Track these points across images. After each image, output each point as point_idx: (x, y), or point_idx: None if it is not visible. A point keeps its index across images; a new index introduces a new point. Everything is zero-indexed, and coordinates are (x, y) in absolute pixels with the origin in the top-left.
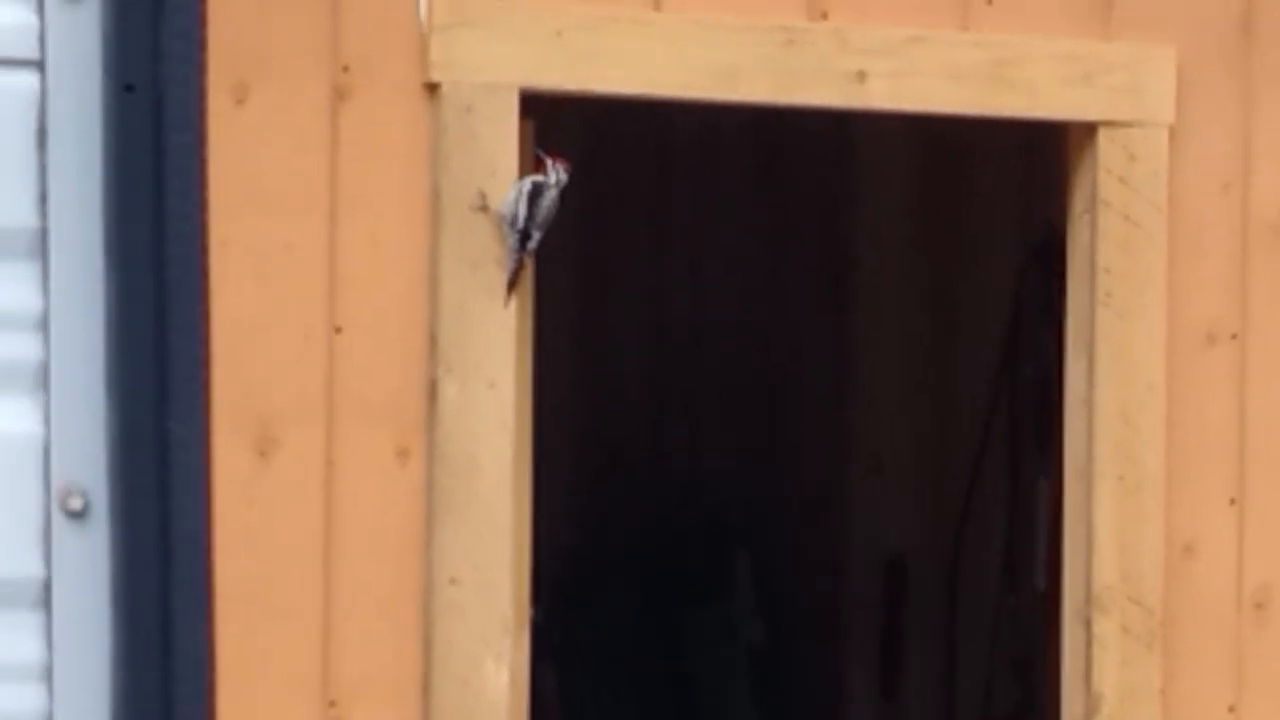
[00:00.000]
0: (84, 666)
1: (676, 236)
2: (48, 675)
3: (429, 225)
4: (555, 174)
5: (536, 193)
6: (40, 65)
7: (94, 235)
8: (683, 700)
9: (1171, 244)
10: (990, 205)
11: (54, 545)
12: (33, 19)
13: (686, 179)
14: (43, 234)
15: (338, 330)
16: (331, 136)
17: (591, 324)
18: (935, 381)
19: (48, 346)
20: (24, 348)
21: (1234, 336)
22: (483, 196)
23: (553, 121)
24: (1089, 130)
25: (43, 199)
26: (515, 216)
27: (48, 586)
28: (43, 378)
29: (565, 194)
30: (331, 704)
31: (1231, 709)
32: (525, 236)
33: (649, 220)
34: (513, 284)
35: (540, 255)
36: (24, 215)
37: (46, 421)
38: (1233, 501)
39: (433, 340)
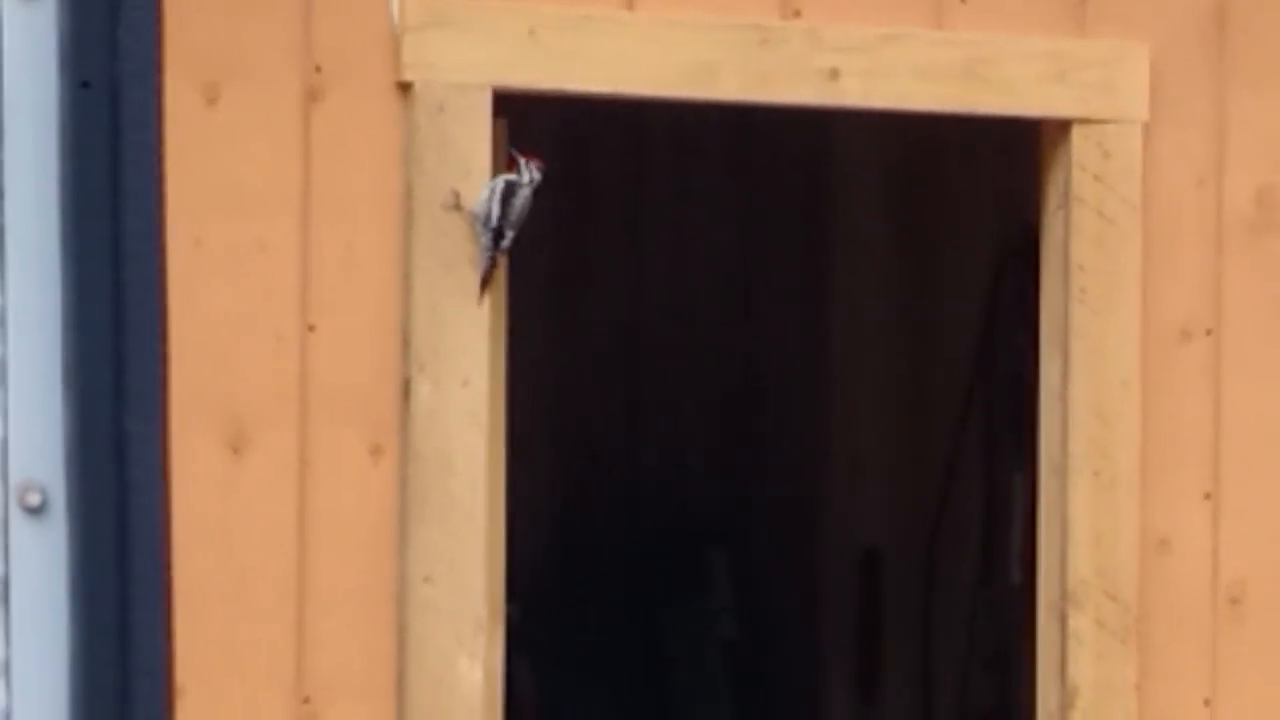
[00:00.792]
0: (42, 663)
1: (652, 235)
2: (5, 671)
3: (402, 224)
4: (528, 173)
5: (510, 192)
6: None
7: (51, 232)
8: (659, 697)
9: (1146, 240)
10: (966, 203)
11: (12, 542)
12: None
13: (661, 178)
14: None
15: (311, 329)
16: (304, 136)
17: (567, 322)
18: (911, 378)
19: (5, 343)
20: None
21: (1209, 332)
22: (456, 196)
23: (526, 121)
24: (1063, 127)
25: None
26: (488, 216)
27: (5, 583)
28: (0, 374)
29: (540, 193)
30: (305, 701)
31: (1207, 703)
32: (498, 236)
33: (624, 219)
34: (486, 283)
35: (516, 253)
36: None
37: (4, 418)
38: (1208, 496)
39: (406, 339)
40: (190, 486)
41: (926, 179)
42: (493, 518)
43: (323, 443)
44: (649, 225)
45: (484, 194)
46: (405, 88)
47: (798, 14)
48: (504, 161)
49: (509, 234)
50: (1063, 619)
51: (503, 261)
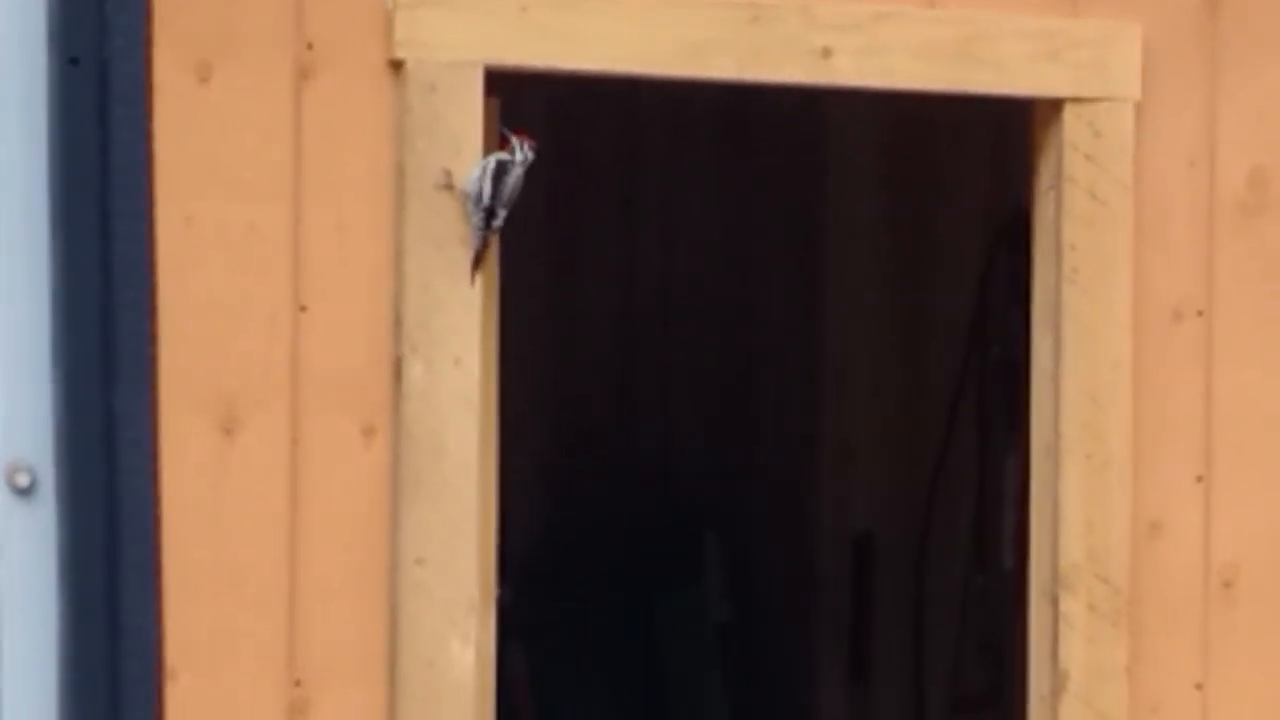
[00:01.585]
0: (31, 644)
1: (645, 215)
2: None
3: (394, 204)
4: (520, 152)
5: (501, 171)
6: None
7: (40, 209)
8: (652, 680)
9: (1137, 221)
10: (959, 184)
11: (1, 522)
12: None
13: (655, 157)
14: None
15: (302, 309)
16: (295, 115)
17: (560, 303)
18: (904, 360)
19: None
20: None
21: (1200, 313)
22: (447, 175)
23: (519, 99)
24: (1055, 106)
25: None
26: (480, 195)
27: None
28: None
29: (532, 172)
30: (297, 684)
31: (1198, 687)
32: (490, 215)
33: (617, 198)
34: (478, 263)
35: (507, 233)
36: None
37: None
38: (1200, 479)
39: (398, 319)
40: (181, 468)
41: (919, 160)
42: (485, 499)
43: (314, 424)
44: (642, 206)
45: (475, 173)
46: (397, 66)
47: None
48: (496, 140)
49: (501, 213)
50: (1054, 603)
51: (495, 241)
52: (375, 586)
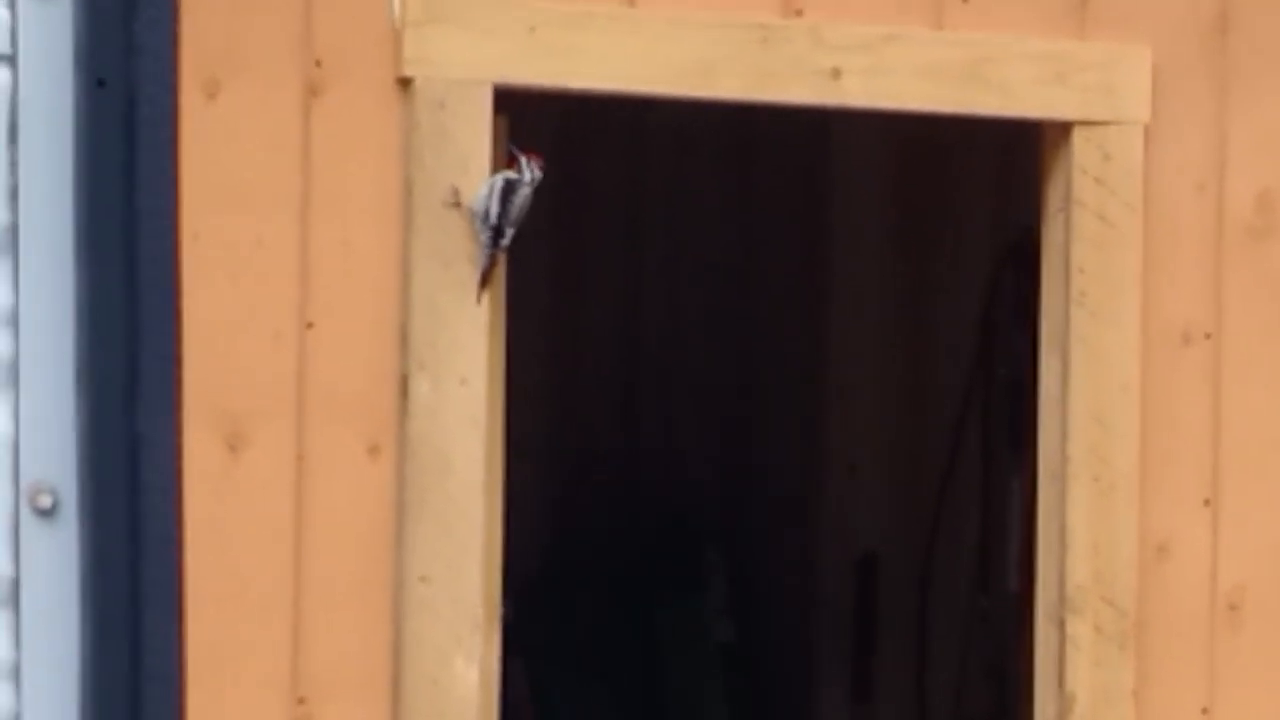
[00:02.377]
0: (52, 665)
1: (650, 234)
2: (15, 674)
3: (401, 221)
4: (529, 171)
5: (509, 189)
6: (12, 60)
7: (65, 231)
8: (654, 698)
9: (1146, 244)
10: (965, 205)
11: (23, 543)
12: (4, 13)
13: (660, 176)
14: (13, 229)
15: (309, 326)
16: (303, 132)
17: (564, 321)
18: (909, 380)
19: (17, 343)
20: None
21: (1208, 336)
22: (455, 193)
23: (526, 117)
24: (1064, 129)
25: (13, 194)
26: (488, 213)
27: (16, 585)
28: (12, 375)
29: (538, 190)
30: (301, 701)
31: (1205, 711)
32: (498, 234)
33: (623, 217)
34: (485, 281)
35: (513, 252)
36: None
37: (16, 419)
38: (1207, 502)
39: (404, 337)
40: (187, 484)
41: (925, 180)
42: (490, 517)
43: (320, 441)
44: (647, 224)
45: (483, 191)
46: (405, 84)
47: (799, 13)
48: (504, 159)
49: (509, 232)
50: (1061, 625)
51: (502, 260)
52: (380, 603)
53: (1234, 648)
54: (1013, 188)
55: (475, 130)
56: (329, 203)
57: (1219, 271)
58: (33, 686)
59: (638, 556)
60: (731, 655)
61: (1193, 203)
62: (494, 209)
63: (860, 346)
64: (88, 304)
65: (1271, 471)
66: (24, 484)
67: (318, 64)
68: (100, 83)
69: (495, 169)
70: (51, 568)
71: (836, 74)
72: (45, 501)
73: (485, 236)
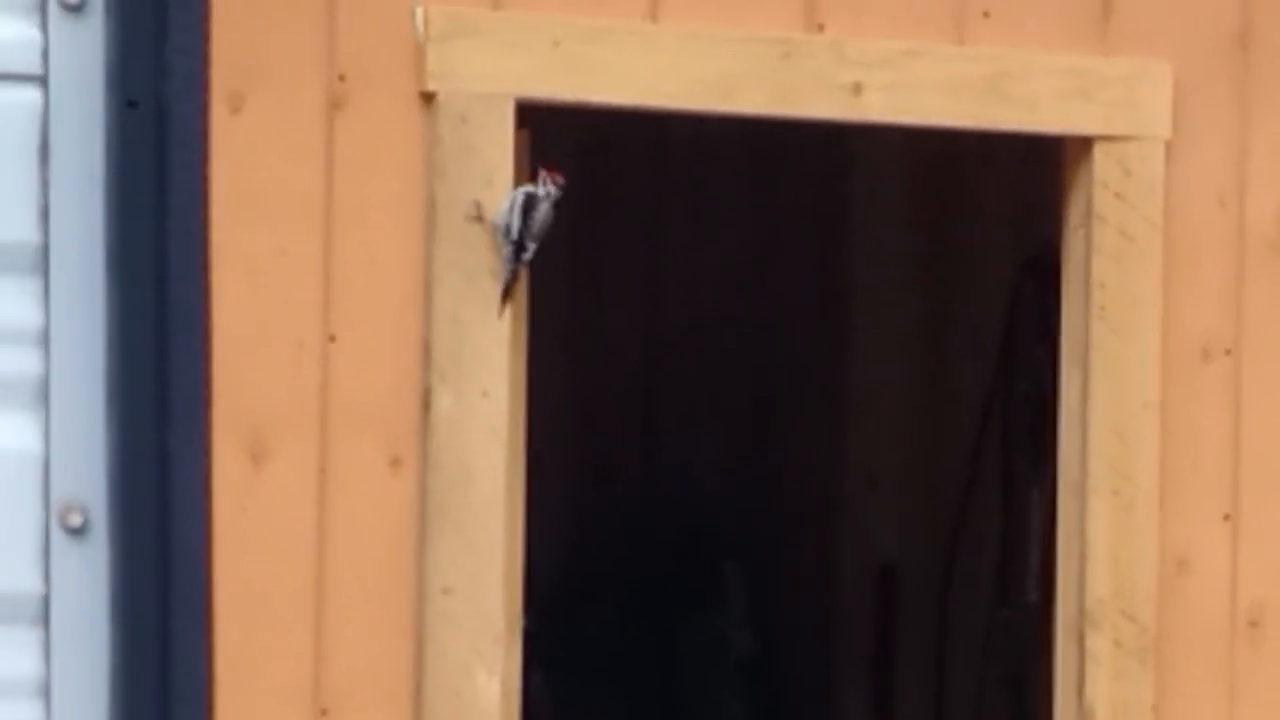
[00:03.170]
0: (82, 683)
1: (671, 247)
2: (46, 691)
3: (424, 235)
4: (546, 187)
5: (530, 204)
6: (43, 80)
7: (95, 251)
8: (673, 711)
9: (1167, 259)
10: (986, 220)
11: (53, 561)
12: (36, 34)
13: (682, 190)
14: (44, 249)
15: (332, 339)
16: (327, 145)
17: (585, 334)
18: (929, 392)
19: (48, 362)
20: (24, 363)
21: (1229, 352)
22: (478, 207)
23: (549, 132)
24: (1084, 145)
25: (44, 214)
26: (509, 227)
27: (47, 602)
28: (43, 393)
29: (560, 204)
30: (323, 712)
31: None
32: (520, 248)
33: (644, 231)
34: (507, 294)
35: (533, 264)
36: (25, 230)
37: (46, 437)
38: (1227, 517)
39: (426, 350)
40: (210, 496)
41: (946, 193)
42: (511, 530)
43: (342, 453)
44: (667, 237)
45: (504, 205)
46: (429, 98)
47: (821, 28)
48: (527, 172)
49: (531, 246)
50: (1080, 639)
51: (524, 273)
52: (401, 616)
53: (1254, 663)
54: (1033, 202)
55: (498, 144)
56: (352, 216)
57: (1240, 286)
58: (63, 704)
59: (657, 568)
60: (751, 667)
61: (1214, 218)
62: (515, 223)
63: (880, 358)
64: (118, 323)
65: None
66: (54, 502)
67: (341, 78)
68: (131, 103)
69: (518, 183)
70: (82, 586)
71: (858, 89)
72: (75, 520)
73: (507, 251)
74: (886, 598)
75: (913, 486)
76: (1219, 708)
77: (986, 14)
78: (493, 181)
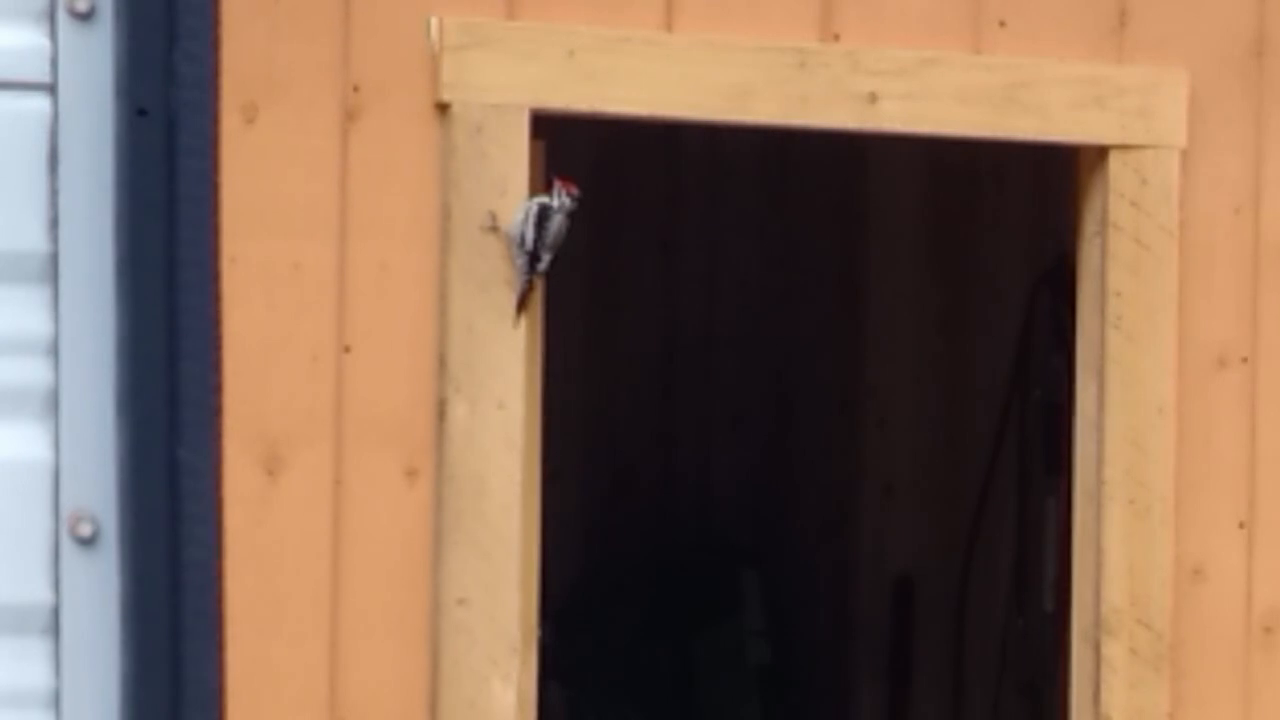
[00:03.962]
0: (93, 694)
1: (687, 257)
2: (56, 702)
3: (438, 245)
4: (560, 198)
5: (544, 215)
6: (52, 89)
7: (105, 260)
8: None
9: (1182, 267)
10: (1002, 228)
11: (63, 572)
12: (44, 42)
13: (697, 200)
14: (53, 258)
15: (346, 350)
16: (341, 156)
17: (601, 343)
18: (945, 402)
19: (58, 371)
20: (34, 372)
21: (1245, 360)
22: (492, 217)
23: (564, 142)
24: (1100, 153)
25: (54, 223)
26: (523, 238)
27: (56, 613)
28: (53, 403)
29: (575, 214)
30: None
31: None
32: (534, 258)
33: (660, 240)
34: (522, 305)
35: (549, 274)
36: (35, 239)
37: (56, 447)
38: (1242, 525)
39: (442, 360)
40: (225, 508)
41: (962, 203)
42: (527, 541)
43: (357, 464)
44: (683, 248)
45: (519, 216)
46: (443, 108)
47: (837, 37)
48: (542, 183)
49: (545, 257)
50: (1096, 647)
51: (539, 284)
52: (417, 627)
53: (1269, 670)
54: (1049, 212)
55: (512, 155)
56: (366, 227)
57: (1255, 295)
58: (73, 714)
59: (674, 579)
60: (768, 677)
61: (1229, 226)
62: (529, 234)
63: (896, 369)
64: (128, 332)
65: None
66: (64, 512)
67: (355, 89)
68: (141, 112)
69: (532, 193)
70: (92, 596)
71: (874, 98)
72: (85, 530)
73: (521, 261)
74: (903, 607)
75: (929, 497)
76: (1234, 714)
77: (1002, 23)
78: (507, 192)
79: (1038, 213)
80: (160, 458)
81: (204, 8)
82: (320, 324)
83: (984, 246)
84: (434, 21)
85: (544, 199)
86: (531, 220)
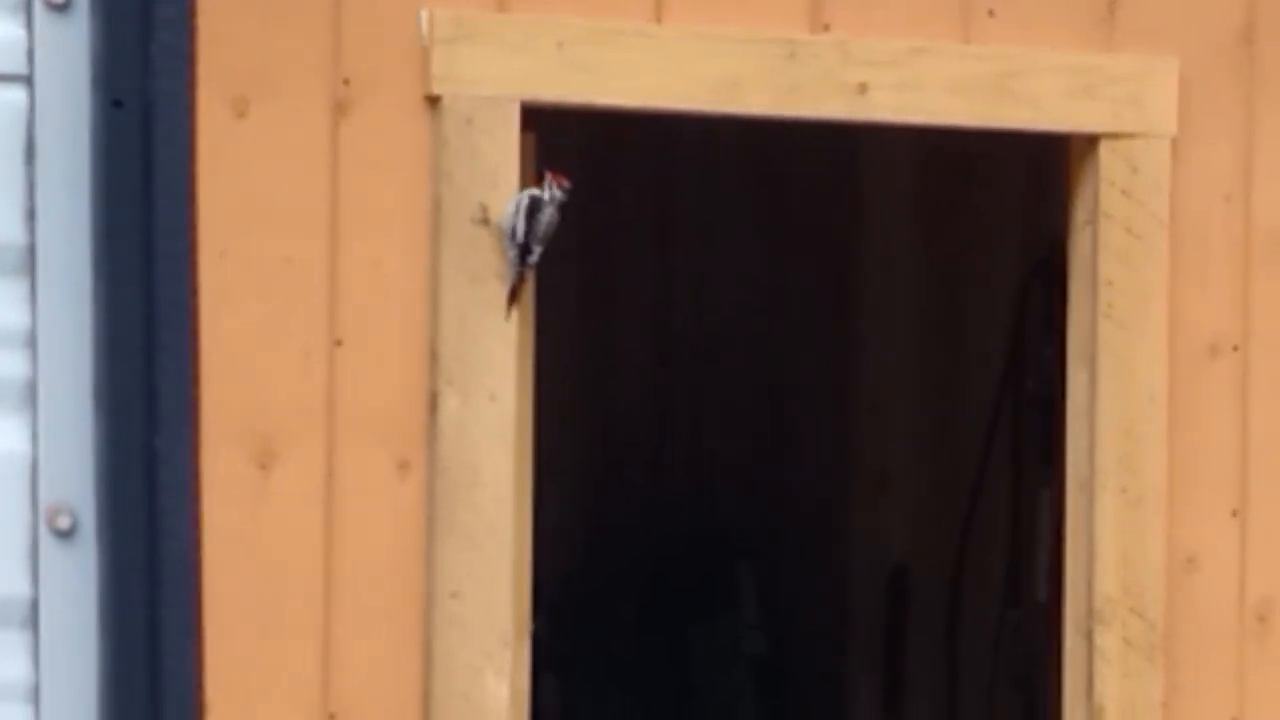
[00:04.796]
0: (71, 687)
1: (679, 248)
2: (35, 696)
3: (430, 238)
4: (551, 190)
5: (535, 207)
6: (28, 80)
7: (82, 251)
8: (685, 712)
9: (1173, 256)
10: (993, 219)
11: (41, 564)
12: (21, 34)
13: (689, 191)
14: (30, 250)
15: (338, 343)
16: (332, 150)
17: (594, 336)
18: (938, 394)
19: (35, 364)
20: (11, 365)
21: (1236, 348)
22: (483, 209)
23: (555, 134)
24: (1090, 142)
25: (31, 215)
26: (514, 231)
27: (35, 606)
28: (30, 396)
29: (567, 206)
30: (331, 717)
31: None
32: (525, 251)
33: (651, 232)
34: (514, 297)
35: (542, 267)
36: (12, 231)
37: (34, 440)
38: (1235, 514)
39: (433, 353)
40: (217, 502)
41: (954, 194)
42: (519, 533)
43: (349, 458)
44: (675, 240)
45: (509, 209)
46: (434, 101)
47: (827, 28)
48: (533, 175)
49: (536, 249)
50: (1089, 637)
51: (530, 276)
52: (410, 620)
53: (1262, 659)
54: (1040, 202)
55: (503, 147)
56: (358, 220)
57: (1247, 283)
58: (52, 707)
59: (669, 571)
60: (763, 669)
61: (1220, 214)
62: (520, 227)
63: (890, 359)
64: (106, 324)
65: None
66: (43, 505)
67: (346, 82)
68: (117, 103)
69: (524, 185)
70: (70, 588)
71: (864, 89)
72: (64, 522)
73: (513, 254)
74: (897, 598)
75: (923, 487)
76: (1228, 704)
77: (992, 12)
78: (498, 184)
79: (1029, 202)
80: (138, 450)
81: None
82: (312, 317)
83: (976, 236)
84: (424, 14)
85: (535, 191)
86: (522, 213)
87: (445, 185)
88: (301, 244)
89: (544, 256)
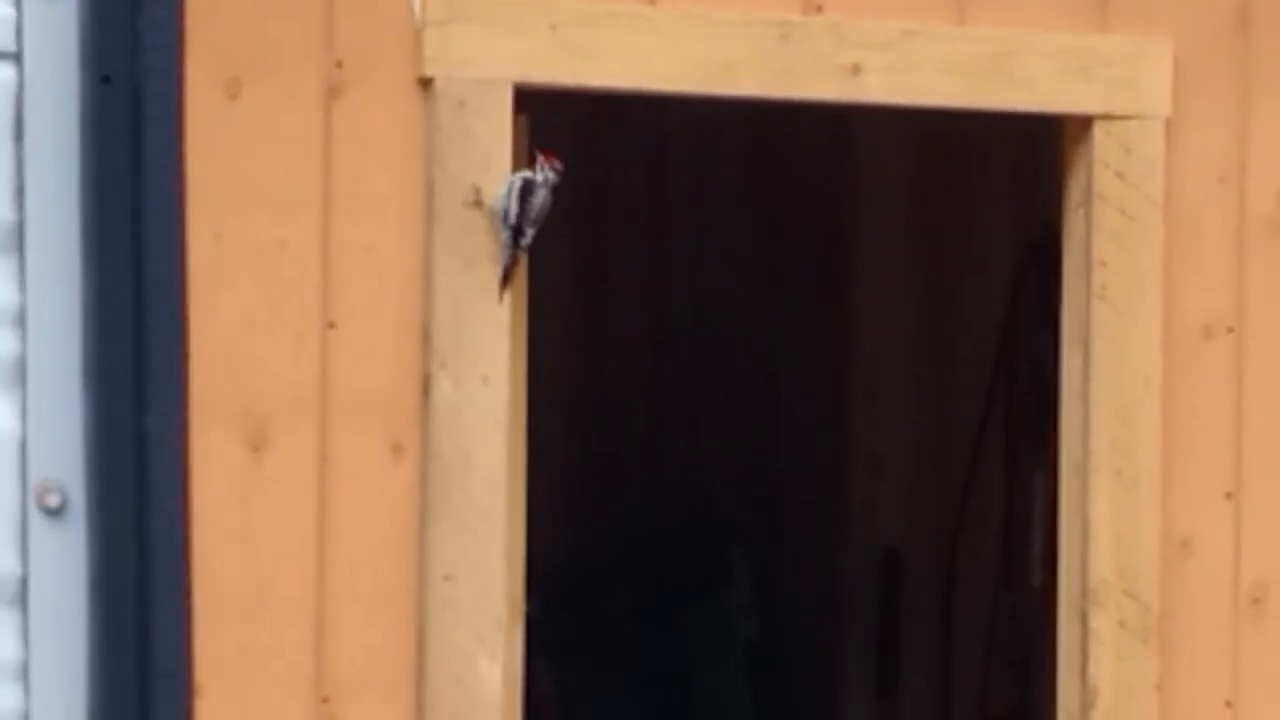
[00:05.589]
0: (61, 665)
1: (674, 231)
2: (24, 673)
3: (423, 220)
4: (543, 172)
5: (527, 190)
6: (17, 57)
7: (71, 229)
8: (679, 696)
9: (1168, 238)
10: (988, 202)
11: (31, 542)
12: (10, 11)
13: (683, 174)
14: (19, 228)
15: (331, 326)
16: (325, 132)
17: (589, 319)
18: (933, 377)
19: (24, 342)
20: (0, 343)
21: (1230, 330)
22: (476, 192)
23: (548, 116)
24: (1084, 124)
25: (19, 192)
26: (507, 213)
27: (24, 584)
28: (19, 373)
29: (560, 189)
30: (324, 700)
31: (1228, 704)
32: (518, 233)
33: (646, 215)
34: (506, 280)
35: (536, 250)
36: (0, 209)
37: (23, 418)
38: (1229, 496)
39: (426, 336)
40: (210, 485)
41: (948, 176)
42: (512, 516)
43: (343, 441)
44: (670, 223)
45: (502, 191)
46: (426, 83)
47: (820, 9)
48: (526, 157)
49: (529, 231)
50: (1084, 619)
51: (523, 259)
52: (403, 603)
53: (1257, 641)
54: (1035, 185)
55: (496, 129)
56: (351, 203)
57: (1241, 265)
58: (41, 685)
59: (662, 555)
60: (756, 652)
61: (1214, 196)
62: (513, 209)
63: (884, 343)
64: (94, 302)
65: None
66: (32, 483)
67: (339, 64)
68: (105, 79)
69: (516, 168)
70: (59, 566)
71: (857, 70)
72: (53, 500)
73: (505, 236)
74: (891, 582)
75: (917, 471)
76: (1222, 686)
77: None
78: (491, 166)
79: (1023, 185)
80: (127, 428)
81: None
82: (305, 300)
83: (971, 219)
84: None
85: (527, 173)
86: (515, 195)
87: (438, 167)
88: (294, 227)
89: (537, 239)
